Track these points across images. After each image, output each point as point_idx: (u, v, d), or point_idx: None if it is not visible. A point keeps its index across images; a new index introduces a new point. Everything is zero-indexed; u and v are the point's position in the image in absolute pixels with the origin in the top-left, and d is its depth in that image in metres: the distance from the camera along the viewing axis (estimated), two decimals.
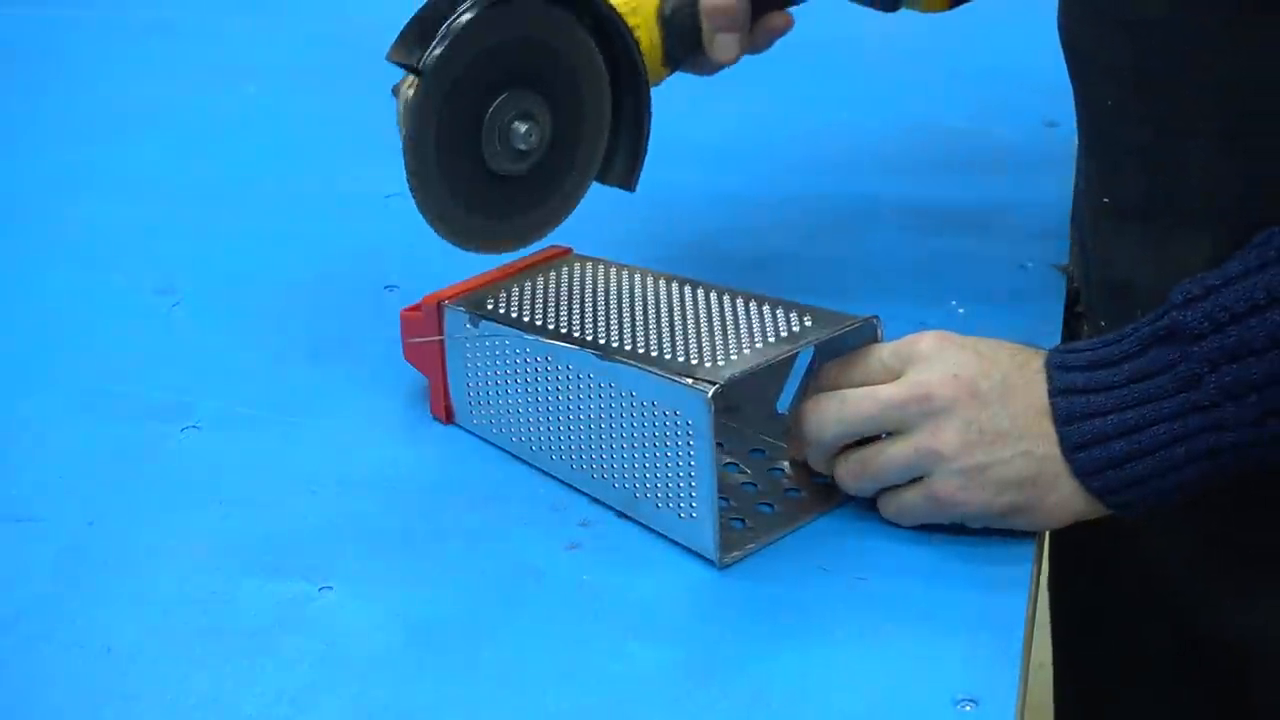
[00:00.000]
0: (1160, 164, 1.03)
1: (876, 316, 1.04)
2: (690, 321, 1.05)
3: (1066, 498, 1.00)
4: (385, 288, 1.24)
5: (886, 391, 1.01)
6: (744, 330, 1.04)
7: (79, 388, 1.16)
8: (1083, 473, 0.99)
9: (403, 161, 1.05)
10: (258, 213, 1.34)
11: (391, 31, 1.54)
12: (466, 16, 1.03)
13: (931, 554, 1.02)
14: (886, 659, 0.96)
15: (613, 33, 1.09)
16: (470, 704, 0.94)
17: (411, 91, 1.04)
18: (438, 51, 1.03)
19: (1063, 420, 0.99)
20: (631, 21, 1.11)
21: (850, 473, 1.03)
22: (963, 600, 0.99)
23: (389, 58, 1.04)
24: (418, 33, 1.04)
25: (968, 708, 0.93)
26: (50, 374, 1.18)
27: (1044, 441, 1.00)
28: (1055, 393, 1.00)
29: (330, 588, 1.01)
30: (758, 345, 1.03)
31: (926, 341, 1.02)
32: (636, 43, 1.10)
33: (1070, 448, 0.99)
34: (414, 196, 1.06)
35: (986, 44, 1.44)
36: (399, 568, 1.02)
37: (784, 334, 1.03)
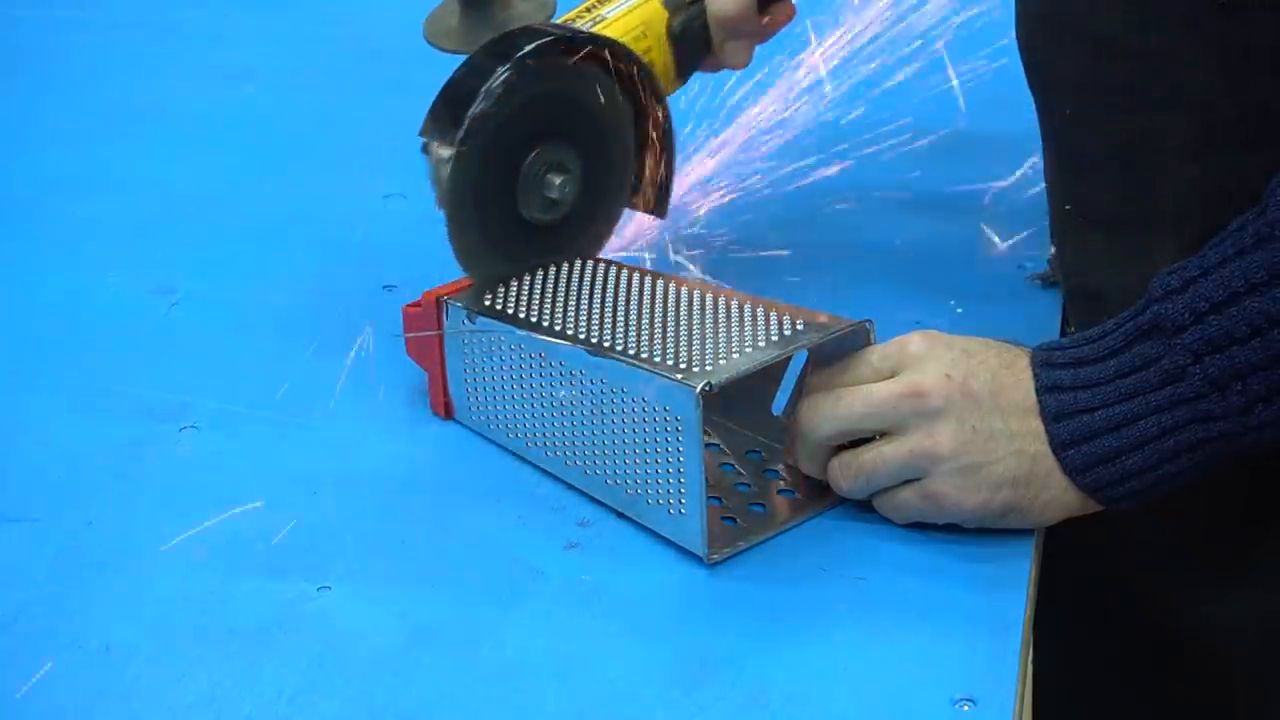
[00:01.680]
0: (1125, 172, 1.04)
1: (870, 321, 1.04)
2: (684, 321, 1.05)
3: (1057, 495, 1.00)
4: (383, 287, 1.24)
5: (880, 391, 1.02)
6: (736, 332, 1.04)
7: (77, 387, 1.16)
8: (1072, 469, 1.00)
9: (444, 226, 1.08)
10: (256, 212, 1.33)
11: (392, 31, 1.55)
12: (495, 84, 1.06)
13: (930, 553, 1.02)
14: (885, 658, 0.96)
15: (637, 81, 1.11)
16: (469, 703, 0.94)
17: (446, 154, 1.06)
18: (469, 131, 1.06)
19: (1051, 417, 1.00)
20: (643, 45, 1.12)
21: (843, 473, 1.03)
22: (961, 599, 0.99)
23: (422, 134, 1.07)
24: (448, 108, 1.07)
25: (965, 707, 0.93)
26: (49, 373, 1.18)
27: (1034, 439, 1.00)
28: (1042, 390, 1.00)
29: (329, 587, 1.01)
30: (748, 349, 1.03)
31: (916, 342, 1.02)
32: (658, 84, 1.12)
33: (1059, 444, 1.00)
34: (456, 255, 1.10)
35: (986, 43, 1.43)
36: (397, 567, 1.02)
37: (775, 337, 1.03)
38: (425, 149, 1.08)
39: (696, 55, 1.15)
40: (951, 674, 0.95)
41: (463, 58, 1.09)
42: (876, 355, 1.03)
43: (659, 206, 1.15)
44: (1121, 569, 1.15)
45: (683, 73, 1.16)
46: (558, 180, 1.10)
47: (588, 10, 1.12)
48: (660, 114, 1.12)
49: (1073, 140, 1.08)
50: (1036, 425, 1.00)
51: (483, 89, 1.06)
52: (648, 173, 1.14)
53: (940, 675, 0.95)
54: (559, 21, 1.13)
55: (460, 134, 1.06)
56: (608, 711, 0.94)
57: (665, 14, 1.13)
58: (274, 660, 0.96)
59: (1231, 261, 0.96)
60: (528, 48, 1.07)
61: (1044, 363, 1.01)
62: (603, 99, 1.10)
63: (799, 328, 1.04)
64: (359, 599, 1.00)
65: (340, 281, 1.25)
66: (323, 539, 1.04)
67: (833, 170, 1.35)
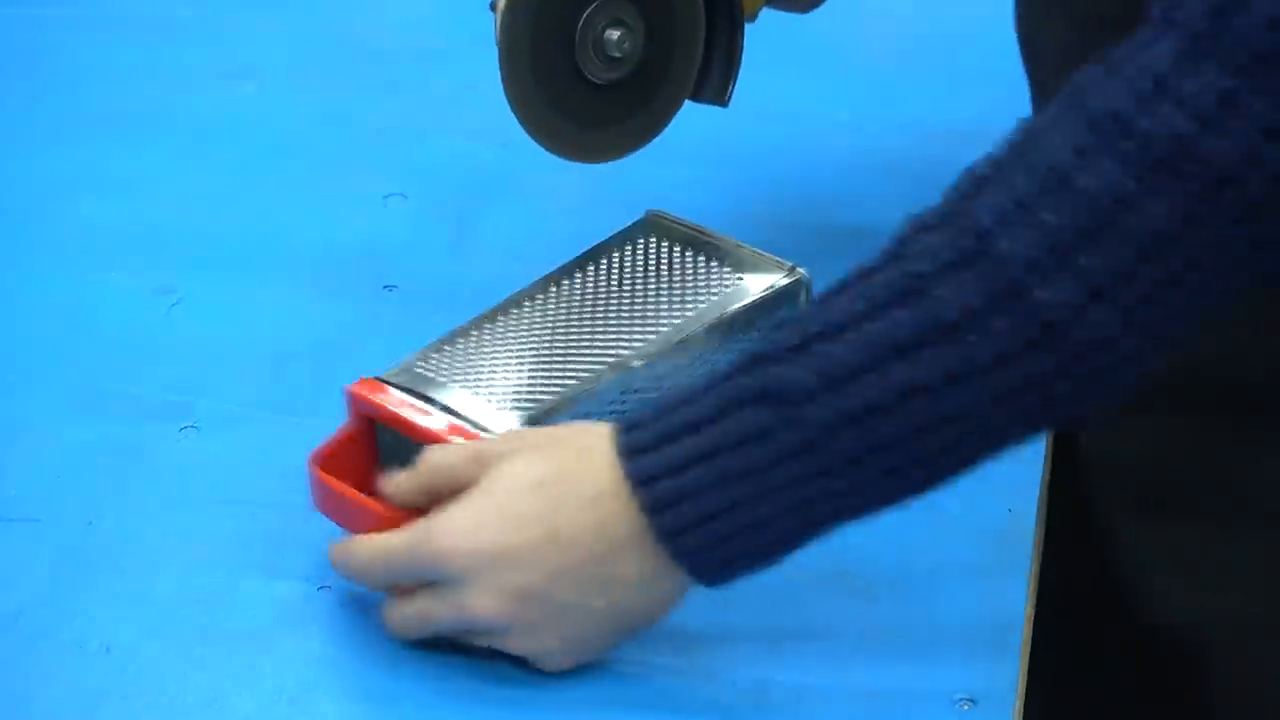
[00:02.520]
0: None
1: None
2: (660, 280, 1.08)
3: (666, 594, 0.93)
4: (384, 287, 1.24)
5: (437, 614, 0.93)
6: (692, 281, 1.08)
7: (77, 387, 1.16)
8: (679, 554, 0.91)
9: (498, 68, 1.05)
10: (256, 212, 1.33)
11: (392, 31, 1.54)
12: None
13: (930, 552, 1.02)
14: (885, 657, 0.96)
15: None
16: (468, 703, 0.94)
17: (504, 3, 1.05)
18: None
19: (650, 510, 0.90)
20: None
21: (398, 630, 0.96)
22: (961, 598, 0.99)
23: None
24: None
25: (966, 707, 0.93)
26: (49, 373, 1.18)
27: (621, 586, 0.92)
28: (636, 485, 0.90)
29: (329, 587, 1.01)
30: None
31: (453, 563, 0.92)
32: None
33: (664, 535, 0.90)
34: (510, 103, 1.06)
35: (987, 44, 1.43)
36: None
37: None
38: (492, 6, 1.06)
39: None
40: (952, 673, 0.95)
41: None
42: (406, 559, 0.93)
43: (722, 95, 1.14)
44: (1118, 571, 1.15)
45: None
46: (616, 35, 1.07)
47: None
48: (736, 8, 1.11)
49: None
50: (617, 558, 0.91)
51: None
52: (714, 61, 1.12)
53: (941, 675, 0.95)
54: None
55: None
56: (607, 711, 0.94)
57: None
58: (274, 660, 0.96)
59: (867, 319, 0.86)
60: None
61: (629, 450, 0.91)
62: None
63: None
64: (358, 599, 1.00)
65: (340, 281, 1.25)
66: (322, 539, 1.04)
67: (831, 170, 1.36)
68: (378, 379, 1.04)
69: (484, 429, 1.00)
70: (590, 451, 0.92)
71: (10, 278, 1.28)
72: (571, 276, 1.10)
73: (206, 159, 1.41)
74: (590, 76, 1.09)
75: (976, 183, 0.87)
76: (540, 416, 1.00)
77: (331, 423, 1.12)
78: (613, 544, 0.91)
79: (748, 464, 0.88)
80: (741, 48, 1.13)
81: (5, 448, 1.12)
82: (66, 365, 1.18)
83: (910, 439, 0.87)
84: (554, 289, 1.09)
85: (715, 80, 1.14)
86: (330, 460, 1.02)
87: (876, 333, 0.86)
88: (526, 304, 1.08)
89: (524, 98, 1.07)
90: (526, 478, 0.92)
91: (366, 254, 1.28)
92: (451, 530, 0.92)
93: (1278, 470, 1.07)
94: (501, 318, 1.07)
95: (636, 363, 1.03)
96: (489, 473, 0.93)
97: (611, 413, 1.02)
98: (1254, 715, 1.13)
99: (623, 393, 1.03)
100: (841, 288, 0.88)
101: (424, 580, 0.94)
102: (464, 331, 1.07)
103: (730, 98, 1.14)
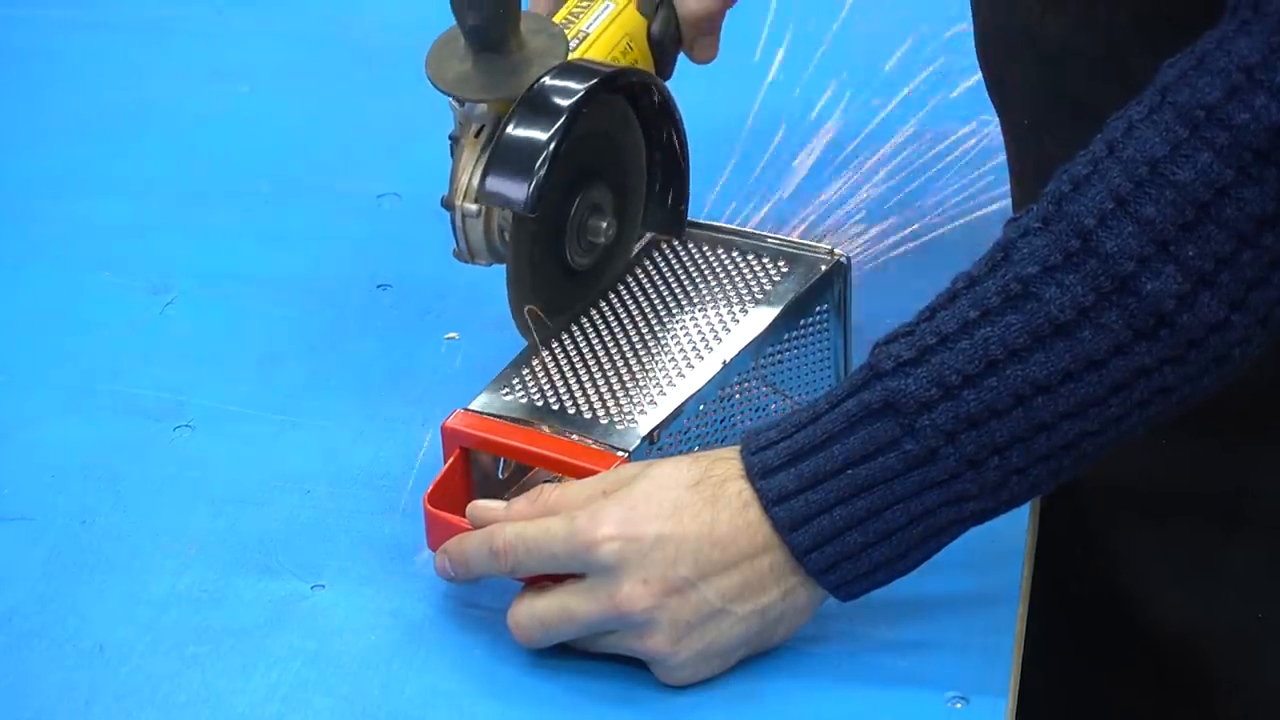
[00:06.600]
0: None
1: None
2: (712, 275, 1.08)
3: (802, 606, 0.94)
4: (377, 286, 1.24)
5: (581, 609, 0.93)
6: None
7: (72, 386, 1.16)
8: (815, 570, 0.92)
9: (505, 288, 1.03)
10: (251, 212, 1.34)
11: (385, 31, 1.55)
12: (554, 145, 1.00)
13: None
14: (879, 656, 0.96)
15: (664, 110, 1.09)
16: (462, 702, 0.94)
17: (508, 222, 1.02)
18: (537, 183, 1.00)
19: (786, 528, 0.92)
20: (630, 57, 1.11)
21: (528, 632, 0.95)
22: (955, 597, 0.99)
23: (484, 201, 1.01)
24: (507, 165, 1.01)
25: (959, 705, 0.93)
26: (44, 372, 1.18)
27: (758, 591, 0.92)
28: (770, 504, 0.92)
29: (322, 586, 1.01)
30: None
31: (608, 549, 0.92)
32: (676, 108, 1.10)
33: (800, 553, 0.92)
34: (515, 320, 1.04)
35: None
36: (391, 566, 1.02)
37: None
38: (445, 203, 1.03)
39: (672, 57, 1.15)
40: (945, 672, 0.95)
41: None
42: (561, 541, 0.93)
43: (676, 227, 1.13)
44: (1110, 572, 1.15)
45: (662, 77, 1.16)
46: (603, 224, 1.07)
47: (566, 26, 1.11)
48: (679, 139, 1.10)
49: (1031, 150, 1.07)
50: (764, 564, 0.92)
51: (546, 149, 1.00)
52: (656, 194, 1.12)
53: (934, 673, 0.95)
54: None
55: (528, 199, 1.00)
56: (602, 710, 0.94)
57: (643, 21, 1.13)
58: (267, 659, 0.97)
59: (978, 326, 0.88)
60: (580, 95, 1.02)
61: (761, 471, 0.92)
62: (634, 132, 1.09)
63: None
64: (352, 598, 1.00)
65: (334, 281, 1.25)
66: (316, 538, 1.04)
67: (829, 170, 1.36)
68: (471, 411, 1.01)
69: (608, 446, 0.99)
70: (729, 462, 0.93)
71: (4, 277, 1.28)
72: (617, 287, 1.09)
73: (200, 159, 1.41)
74: (574, 265, 1.07)
75: (1074, 182, 0.88)
76: (657, 424, 0.99)
77: (324, 421, 1.12)
78: (759, 551, 0.92)
79: (875, 476, 0.90)
80: (688, 179, 1.11)
81: (0, 446, 1.12)
82: (61, 365, 1.18)
83: (1031, 439, 0.88)
84: (604, 302, 1.08)
85: (664, 215, 1.12)
86: (438, 497, 1.00)
87: (989, 339, 0.88)
88: (584, 320, 1.07)
89: (520, 308, 1.04)
90: (681, 477, 0.93)
91: (360, 253, 1.28)
92: (609, 519, 0.92)
93: (1272, 474, 1.08)
94: (566, 337, 1.06)
95: (722, 362, 1.03)
96: (642, 473, 0.94)
97: (712, 414, 1.02)
98: (1248, 716, 1.14)
99: (721, 390, 1.03)
100: (950, 298, 0.90)
101: (571, 570, 0.93)
102: (533, 355, 1.05)
103: (684, 230, 1.12)
